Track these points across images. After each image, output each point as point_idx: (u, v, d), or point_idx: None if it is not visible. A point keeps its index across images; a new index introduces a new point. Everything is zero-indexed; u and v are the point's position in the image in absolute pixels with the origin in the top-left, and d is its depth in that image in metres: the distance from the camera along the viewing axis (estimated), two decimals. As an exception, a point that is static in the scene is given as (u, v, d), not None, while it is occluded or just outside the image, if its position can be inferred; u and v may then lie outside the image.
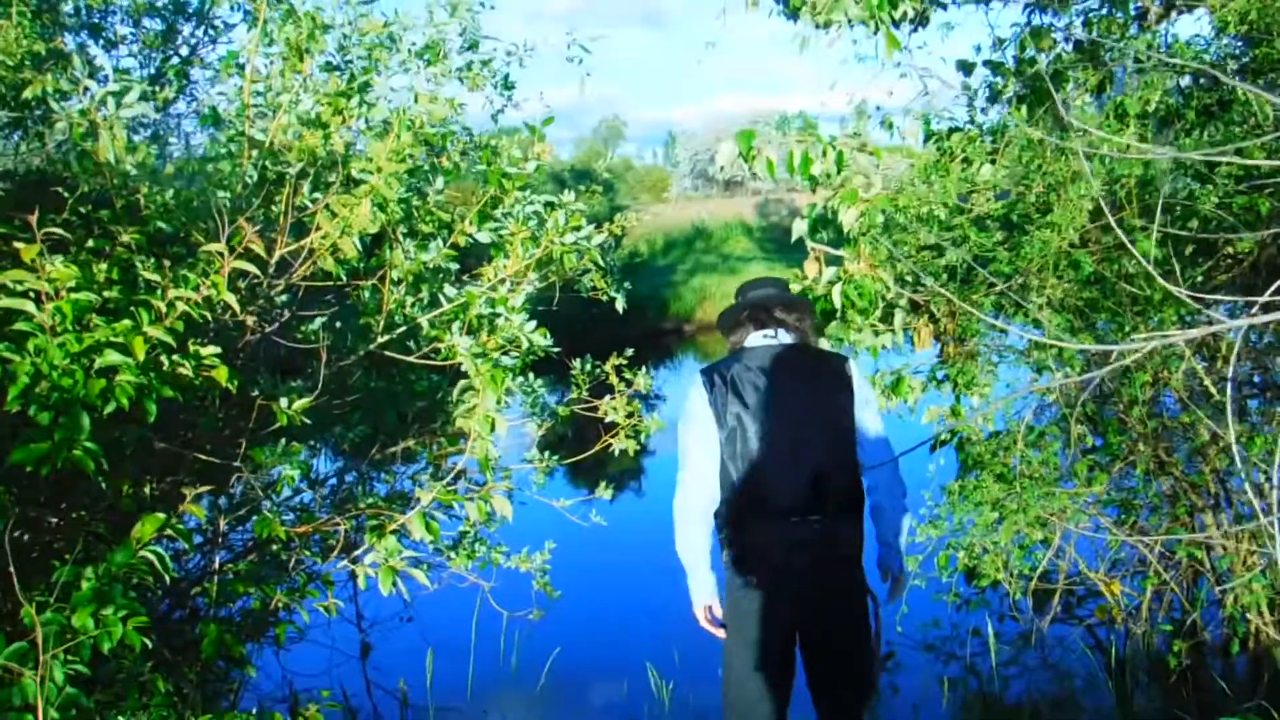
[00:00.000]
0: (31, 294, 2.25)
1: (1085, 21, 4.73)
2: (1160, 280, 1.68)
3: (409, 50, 3.73)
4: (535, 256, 3.52)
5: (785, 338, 3.19)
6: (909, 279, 4.34)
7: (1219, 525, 4.66)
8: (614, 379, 4.19)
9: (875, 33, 4.04)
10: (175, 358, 2.40)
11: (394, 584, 2.76)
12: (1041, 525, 4.48)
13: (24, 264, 2.24)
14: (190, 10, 4.68)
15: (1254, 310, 1.62)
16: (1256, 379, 4.95)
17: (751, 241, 32.74)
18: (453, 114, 3.59)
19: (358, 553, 2.95)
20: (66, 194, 2.78)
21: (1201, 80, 4.64)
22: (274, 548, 3.23)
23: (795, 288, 3.84)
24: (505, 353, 3.36)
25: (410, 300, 3.50)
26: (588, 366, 4.24)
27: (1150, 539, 4.63)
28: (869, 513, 3.15)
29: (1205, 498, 4.71)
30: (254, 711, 2.60)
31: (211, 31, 4.73)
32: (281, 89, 3.26)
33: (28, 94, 3.02)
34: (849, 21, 4.13)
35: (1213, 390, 4.41)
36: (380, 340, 3.40)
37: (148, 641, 2.17)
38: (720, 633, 3.10)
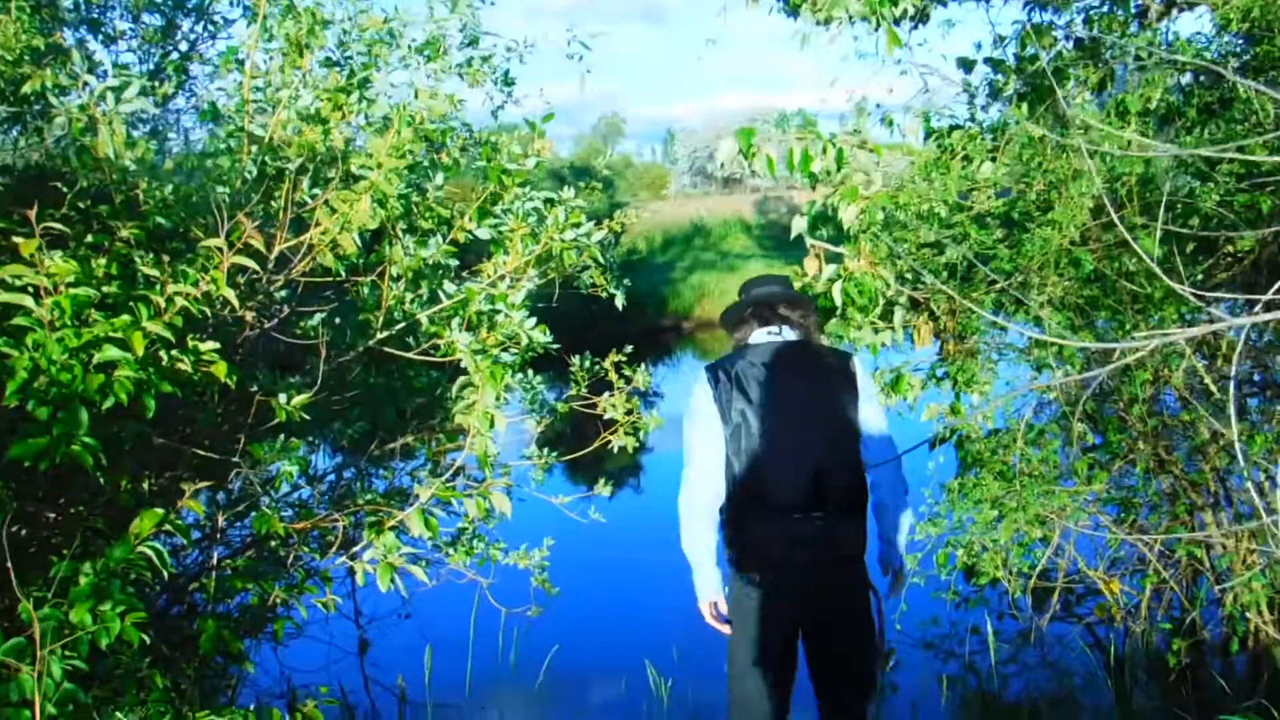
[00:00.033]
0: (30, 289, 2.24)
1: (1086, 19, 4.73)
2: (1164, 278, 1.68)
3: (409, 46, 3.72)
4: (535, 253, 3.52)
5: (789, 334, 3.20)
6: (909, 276, 4.33)
7: (1219, 524, 4.66)
8: (613, 376, 4.19)
9: (876, 29, 4.03)
10: (174, 353, 2.40)
11: (392, 580, 2.76)
12: (1041, 523, 4.48)
13: (23, 259, 2.23)
14: (189, 6, 4.67)
15: (1257, 309, 1.62)
16: (1256, 377, 4.95)
17: (750, 239, 32.72)
18: (453, 110, 3.59)
19: (356, 549, 2.95)
20: (65, 189, 2.78)
21: (1202, 78, 4.63)
22: (272, 544, 3.22)
23: (795, 285, 3.84)
24: (505, 349, 3.36)
25: (410, 296, 3.50)
26: (587, 363, 4.23)
27: (1150, 537, 4.63)
28: (871, 509, 3.15)
29: (1205, 496, 4.70)
30: (252, 707, 2.60)
31: (211, 27, 4.73)
32: (281, 84, 3.25)
33: (27, 89, 3.02)
34: (850, 18, 4.12)
35: (1213, 389, 4.40)
36: (379, 336, 3.40)
37: (145, 637, 2.17)
38: (725, 629, 3.11)
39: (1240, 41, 4.53)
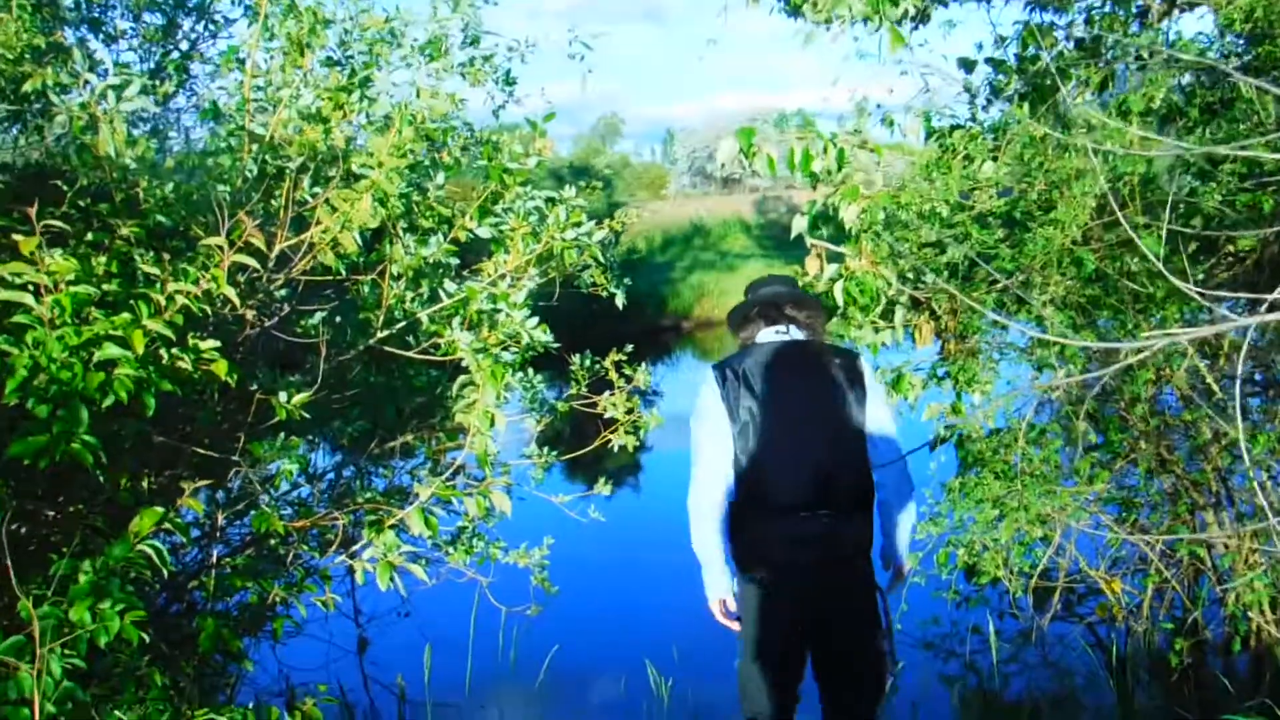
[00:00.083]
0: (30, 287, 2.24)
1: (1087, 19, 4.72)
2: (1170, 278, 1.68)
3: (411, 46, 3.72)
4: (536, 252, 3.52)
5: (796, 334, 3.20)
6: (910, 276, 4.33)
7: (1220, 523, 4.66)
8: (613, 375, 4.18)
9: (878, 29, 4.02)
10: (174, 351, 2.40)
11: (392, 579, 2.76)
12: (1042, 523, 4.47)
13: (23, 257, 2.23)
14: (190, 5, 4.67)
15: (1263, 309, 1.62)
16: (1258, 377, 4.95)
17: (750, 239, 32.70)
18: (454, 109, 3.59)
19: (356, 547, 2.95)
20: (66, 187, 2.77)
21: (1203, 78, 4.63)
22: (272, 542, 3.22)
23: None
24: (505, 348, 3.36)
25: (410, 295, 3.50)
26: (587, 362, 4.23)
27: (1151, 537, 4.63)
28: (876, 508, 3.16)
29: (1207, 496, 4.70)
30: (251, 706, 2.60)
31: (212, 26, 4.72)
32: (282, 83, 3.25)
33: (28, 87, 3.02)
34: (852, 18, 4.12)
35: (1215, 388, 4.40)
36: (380, 335, 3.40)
37: (145, 635, 2.17)
38: (735, 625, 3.12)
39: (1241, 43, 4.52)
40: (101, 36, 4.46)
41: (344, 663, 5.15)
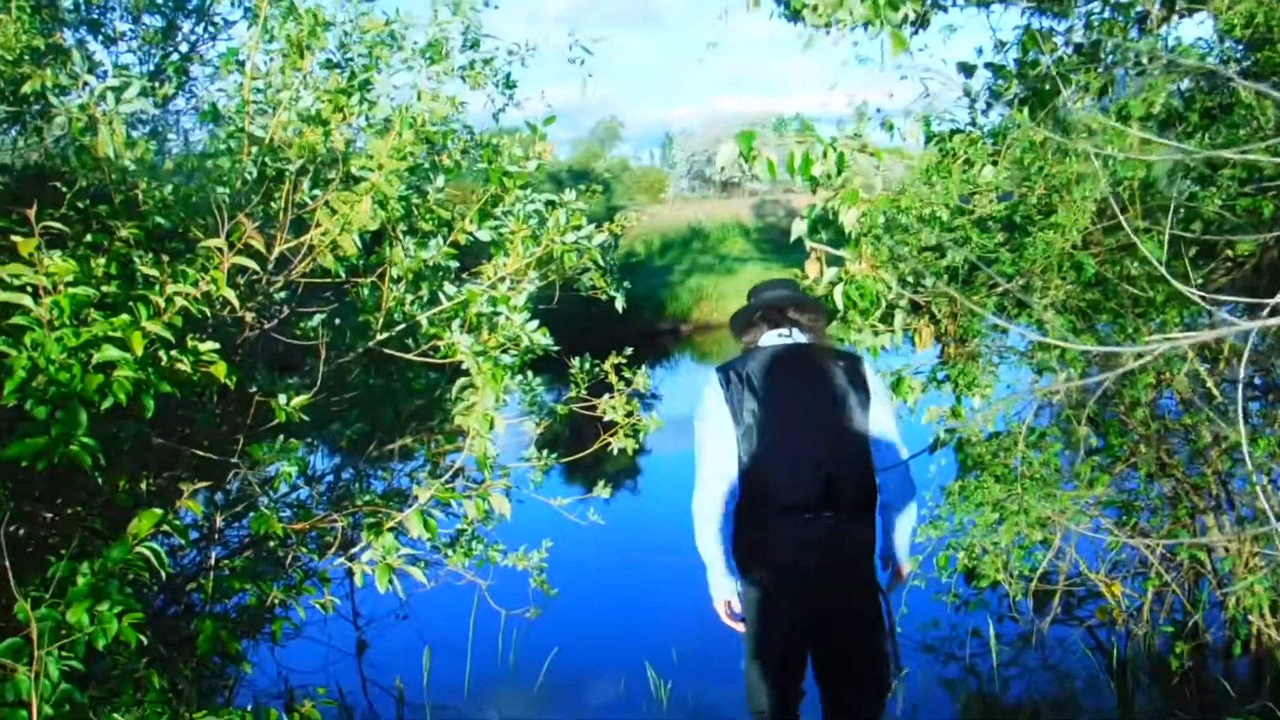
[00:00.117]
0: (29, 288, 2.24)
1: (1087, 24, 4.73)
2: (1173, 282, 1.67)
3: (412, 48, 3.72)
4: (536, 255, 3.52)
5: (800, 337, 3.21)
6: (910, 280, 4.33)
7: (1221, 527, 4.65)
8: (613, 378, 4.18)
9: (879, 33, 4.03)
10: (173, 353, 2.39)
11: (390, 581, 2.75)
12: (1042, 526, 4.47)
13: (22, 258, 2.23)
14: (190, 7, 4.67)
15: (1265, 313, 1.62)
16: (1258, 381, 4.95)
17: (748, 242, 32.67)
18: (454, 112, 3.59)
19: (355, 550, 2.95)
20: (65, 189, 2.77)
21: (1202, 83, 4.63)
22: (271, 544, 3.22)
23: (796, 288, 3.83)
24: (505, 351, 3.36)
25: (409, 298, 3.50)
26: (586, 365, 4.23)
27: (1151, 541, 4.62)
28: (878, 510, 3.16)
29: (1207, 499, 4.69)
30: (249, 708, 2.59)
31: (211, 28, 4.73)
32: (282, 86, 3.25)
33: (27, 89, 3.02)
34: (853, 22, 4.12)
35: (1215, 392, 4.40)
36: (379, 338, 3.39)
37: (143, 638, 2.16)
38: (740, 627, 3.14)
39: (1239, 49, 4.52)
40: (101, 38, 4.47)
41: (343, 665, 5.15)
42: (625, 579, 6.49)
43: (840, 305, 4.25)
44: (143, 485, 2.86)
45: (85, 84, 2.85)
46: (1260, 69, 4.22)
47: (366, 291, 3.45)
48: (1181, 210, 4.32)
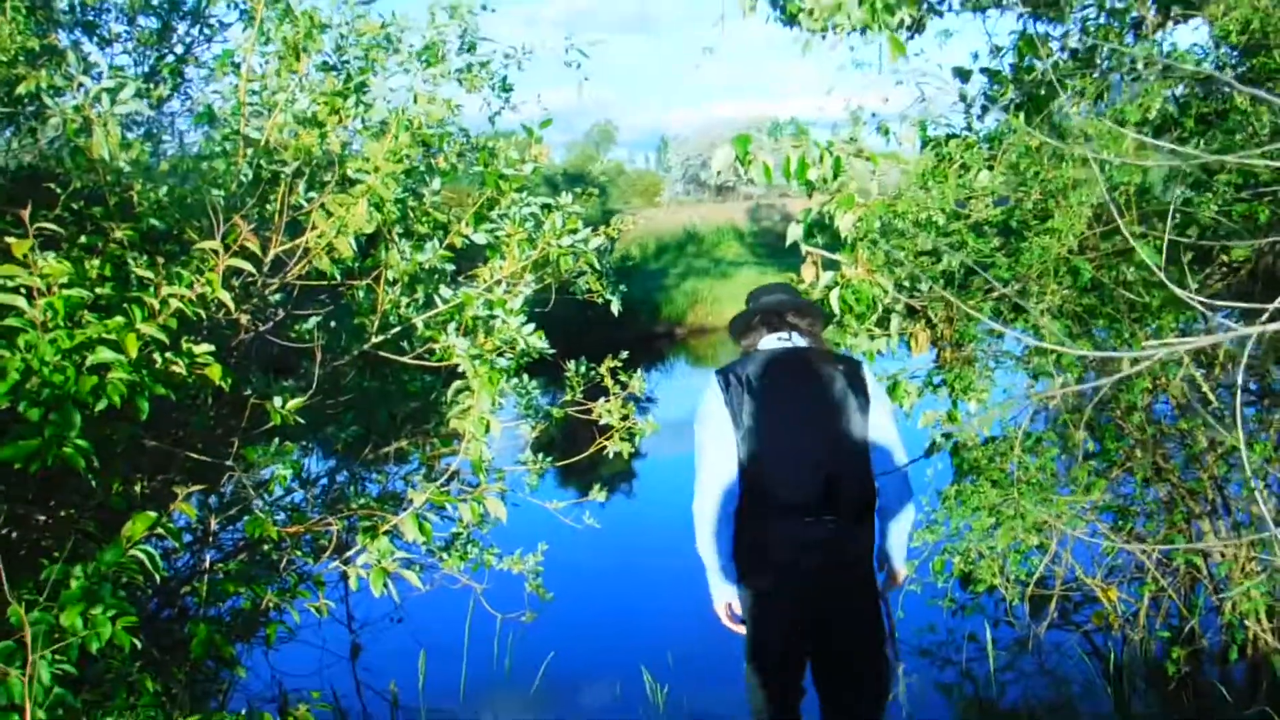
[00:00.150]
0: (23, 289, 2.23)
1: (1082, 29, 4.74)
2: (1172, 287, 1.67)
3: (408, 51, 3.72)
4: (532, 258, 3.51)
5: (799, 341, 3.22)
6: (906, 284, 4.33)
7: (1217, 532, 4.66)
8: (609, 381, 4.18)
9: (879, 36, 4.03)
10: (168, 355, 2.39)
11: (385, 585, 2.74)
12: (1038, 531, 4.47)
13: (16, 259, 2.22)
14: (186, 9, 4.67)
15: (1264, 318, 1.62)
16: (1253, 386, 4.95)
17: (743, 246, 32.70)
18: (450, 115, 3.58)
19: (349, 553, 2.93)
20: (59, 190, 2.76)
21: (1198, 89, 4.64)
22: (265, 547, 3.21)
23: (792, 292, 3.83)
24: (501, 354, 3.35)
25: (405, 301, 3.49)
26: (582, 368, 4.22)
27: (1147, 546, 4.62)
28: (875, 512, 3.16)
29: (1203, 504, 4.70)
30: (243, 712, 2.58)
31: (207, 30, 4.72)
32: (277, 88, 3.25)
33: (22, 89, 3.01)
34: (850, 27, 4.13)
35: (1211, 397, 4.40)
36: (374, 340, 3.38)
37: (136, 641, 2.15)
38: (740, 629, 3.15)
39: (1234, 55, 4.53)
40: (96, 40, 4.46)
41: (337, 669, 5.13)
42: (621, 582, 6.48)
43: (836, 309, 4.26)
44: (137, 488, 2.85)
45: (80, 85, 2.84)
46: (1256, 75, 4.23)
47: (362, 294, 3.44)
48: (1177, 216, 4.32)
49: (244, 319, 3.06)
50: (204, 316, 2.56)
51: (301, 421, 2.83)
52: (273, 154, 3.12)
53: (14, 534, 2.63)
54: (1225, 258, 4.47)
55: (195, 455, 2.90)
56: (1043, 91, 4.53)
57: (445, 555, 4.09)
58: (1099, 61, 4.53)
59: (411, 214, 3.67)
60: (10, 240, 2.24)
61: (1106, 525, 4.82)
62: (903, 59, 4.37)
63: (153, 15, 4.56)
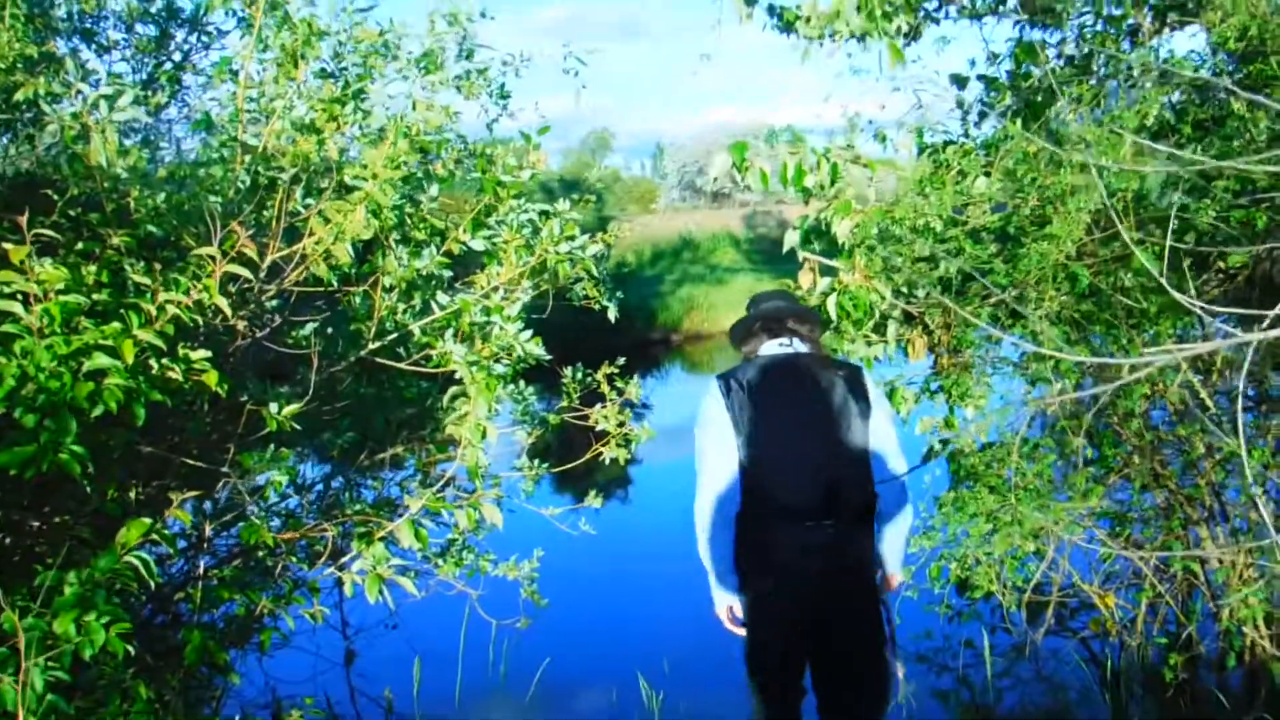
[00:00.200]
0: (20, 296, 2.23)
1: (1079, 36, 4.75)
2: (1173, 293, 1.67)
3: (407, 58, 3.72)
4: (529, 265, 3.51)
5: (799, 347, 3.24)
6: (903, 290, 4.33)
7: (1214, 539, 4.65)
8: (605, 388, 4.18)
9: (879, 43, 4.04)
10: (165, 361, 2.38)
11: (380, 591, 2.74)
12: (1035, 537, 4.47)
13: (13, 266, 2.22)
14: (184, 16, 4.67)
15: (1265, 324, 1.62)
16: (1250, 392, 4.95)
17: (739, 253, 32.73)
18: (448, 122, 3.59)
19: (345, 560, 2.93)
20: (56, 196, 2.76)
21: (1194, 95, 4.65)
22: (260, 553, 3.20)
23: (789, 298, 3.84)
24: (497, 360, 3.35)
25: (402, 307, 3.49)
26: (579, 375, 4.22)
27: (1145, 552, 4.62)
28: (875, 516, 3.17)
29: (1200, 511, 4.70)
30: (237, 718, 2.57)
31: (205, 37, 4.72)
32: (275, 95, 3.25)
33: (19, 96, 3.01)
34: (849, 34, 4.14)
35: (1209, 403, 4.40)
36: (371, 347, 3.38)
37: (130, 648, 2.15)
38: (742, 632, 3.16)
39: (1231, 62, 4.54)
40: (94, 47, 4.46)
41: (331, 675, 5.11)
42: (617, 589, 6.46)
43: (833, 315, 4.26)
44: (132, 494, 2.85)
45: (78, 92, 2.83)
46: (1253, 82, 4.23)
47: (359, 300, 3.44)
48: (1175, 222, 4.32)
49: (241, 325, 3.06)
50: (201, 323, 2.56)
51: (297, 427, 2.83)
52: (270, 161, 3.12)
53: (8, 540, 2.62)
54: (1223, 264, 4.47)
55: (191, 461, 2.90)
56: (1040, 98, 4.54)
57: (441, 561, 4.08)
58: (1096, 68, 4.54)
59: (409, 220, 3.67)
60: (7, 246, 2.23)
61: (1104, 531, 4.82)
62: (900, 66, 4.39)
63: (151, 23, 4.56)
